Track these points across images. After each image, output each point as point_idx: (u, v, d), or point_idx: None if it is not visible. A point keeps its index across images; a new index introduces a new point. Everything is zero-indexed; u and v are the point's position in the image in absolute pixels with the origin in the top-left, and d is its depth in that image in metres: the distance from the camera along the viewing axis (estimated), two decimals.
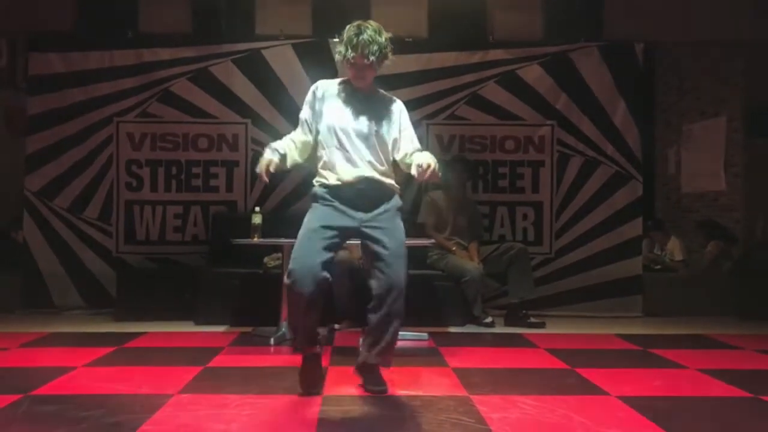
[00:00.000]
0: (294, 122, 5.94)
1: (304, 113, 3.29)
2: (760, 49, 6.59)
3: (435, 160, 3.02)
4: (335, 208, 3.16)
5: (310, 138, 3.27)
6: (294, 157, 3.29)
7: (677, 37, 6.44)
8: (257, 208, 4.83)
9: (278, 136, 6.04)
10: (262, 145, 6.02)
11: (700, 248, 7.00)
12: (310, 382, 3.22)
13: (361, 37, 3.04)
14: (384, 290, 3.12)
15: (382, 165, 3.21)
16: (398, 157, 3.25)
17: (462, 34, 6.21)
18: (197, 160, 6.12)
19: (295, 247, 3.13)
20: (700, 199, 7.59)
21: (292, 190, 6.07)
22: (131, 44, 6.05)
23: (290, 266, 3.09)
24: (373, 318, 3.17)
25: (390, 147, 3.24)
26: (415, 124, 5.88)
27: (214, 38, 6.10)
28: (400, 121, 3.26)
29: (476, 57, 6.17)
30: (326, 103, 3.23)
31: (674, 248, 6.96)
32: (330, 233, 3.11)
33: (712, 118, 7.41)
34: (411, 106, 5.56)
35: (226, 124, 6.13)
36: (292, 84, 5.98)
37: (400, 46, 5.94)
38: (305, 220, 3.21)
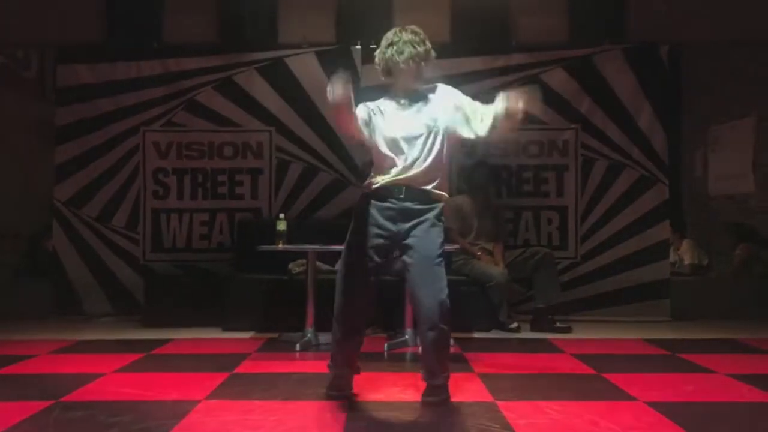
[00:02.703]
0: (317, 129, 6.09)
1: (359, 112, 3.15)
2: None
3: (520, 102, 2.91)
4: (375, 225, 3.09)
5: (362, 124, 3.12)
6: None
7: (703, 37, 6.36)
8: (282, 215, 4.85)
9: (302, 144, 6.21)
10: (287, 153, 6.20)
11: (730, 251, 6.90)
12: (339, 388, 3.25)
13: (394, 45, 3.07)
14: (415, 305, 3.14)
15: (430, 170, 3.10)
16: (482, 129, 3.08)
17: (485, 38, 6.19)
18: (222, 168, 6.18)
19: (340, 277, 3.14)
20: (729, 201, 7.49)
21: (317, 196, 6.11)
22: (157, 54, 6.14)
23: (338, 298, 3.13)
24: (419, 337, 3.19)
25: (461, 132, 3.14)
26: None
27: (238, 47, 6.16)
28: (450, 102, 3.16)
29: (499, 61, 6.15)
30: (378, 117, 3.15)
31: (685, 252, 6.87)
32: (366, 261, 3.09)
33: (740, 119, 7.32)
34: None
35: (251, 132, 6.18)
36: (315, 91, 6.00)
37: None
38: (349, 234, 3.16)
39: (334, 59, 5.98)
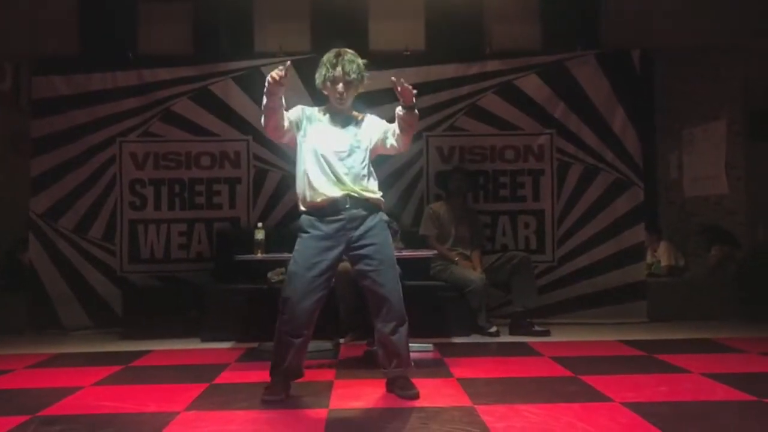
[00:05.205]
0: None
1: (291, 112, 3.43)
2: (758, 52, 6.61)
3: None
4: (323, 238, 3.29)
5: (289, 122, 3.38)
6: (285, 116, 3.37)
7: (674, 42, 6.47)
8: (260, 224, 4.86)
9: (279, 152, 6.19)
10: (264, 162, 6.20)
11: (705, 252, 7.00)
12: (272, 398, 3.32)
13: (341, 58, 3.30)
14: (379, 304, 3.31)
15: (366, 178, 3.37)
16: (392, 139, 3.40)
17: (459, 45, 6.26)
18: (200, 178, 6.17)
19: (288, 289, 3.28)
20: (704, 202, 7.59)
21: (295, 205, 6.07)
22: (132, 65, 6.11)
23: (283, 307, 3.27)
24: (378, 333, 3.36)
25: (379, 145, 3.43)
26: (415, 136, 6.01)
27: (214, 57, 6.17)
28: (376, 124, 3.46)
29: (474, 68, 6.21)
30: (311, 125, 3.40)
31: (662, 254, 6.96)
32: (320, 270, 3.26)
33: (711, 121, 7.43)
34: None
35: (228, 141, 6.18)
36: (292, 99, 5.88)
37: (398, 59, 6.08)
38: (294, 253, 3.34)
39: (311, 68, 5.99)
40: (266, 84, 3.12)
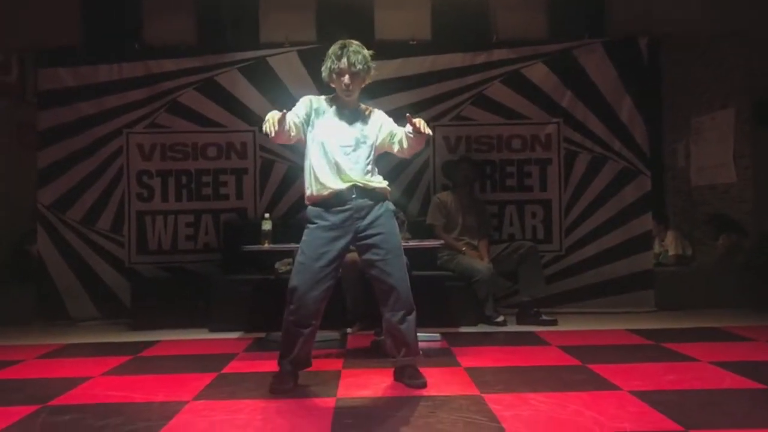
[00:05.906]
0: None
1: (299, 106, 3.45)
2: (764, 41, 6.57)
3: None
4: (330, 228, 3.30)
5: (296, 128, 3.36)
6: (291, 124, 3.34)
7: (681, 30, 6.43)
8: (267, 215, 4.86)
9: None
10: (270, 152, 6.20)
11: (712, 241, 6.97)
12: (281, 387, 3.33)
13: (346, 49, 3.29)
14: (387, 293, 3.33)
15: (370, 173, 3.38)
16: (397, 145, 3.40)
17: (466, 35, 6.24)
18: (207, 169, 6.17)
19: (295, 279, 3.29)
20: (711, 191, 7.56)
21: (301, 195, 6.07)
22: (138, 56, 6.11)
23: (291, 297, 3.28)
24: (386, 322, 3.38)
25: (386, 145, 3.44)
26: None
27: (220, 48, 6.15)
28: (384, 124, 3.45)
29: (481, 57, 6.18)
30: (318, 117, 3.40)
31: (670, 243, 6.94)
32: (327, 260, 3.28)
33: (719, 110, 7.39)
34: (417, 108, 5.66)
35: (234, 132, 6.18)
36: (297, 90, 5.96)
37: (405, 49, 6.06)
38: (302, 244, 3.36)
39: (316, 58, 5.99)
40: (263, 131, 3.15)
